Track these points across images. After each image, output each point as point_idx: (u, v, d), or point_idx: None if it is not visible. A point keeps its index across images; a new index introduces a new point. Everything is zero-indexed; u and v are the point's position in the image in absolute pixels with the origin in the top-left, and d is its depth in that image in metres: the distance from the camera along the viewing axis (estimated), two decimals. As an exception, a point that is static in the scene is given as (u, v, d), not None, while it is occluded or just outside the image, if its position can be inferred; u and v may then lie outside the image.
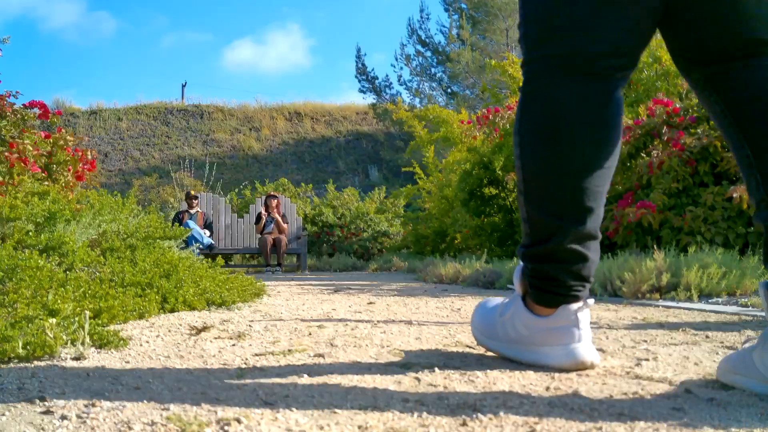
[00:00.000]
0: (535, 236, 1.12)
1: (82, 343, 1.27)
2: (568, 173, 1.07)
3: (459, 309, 2.41)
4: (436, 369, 1.14)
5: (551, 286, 1.11)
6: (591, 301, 1.13)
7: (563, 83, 1.06)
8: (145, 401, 0.90)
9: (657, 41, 7.43)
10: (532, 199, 1.11)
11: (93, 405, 0.87)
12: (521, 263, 1.18)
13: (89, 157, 4.06)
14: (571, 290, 1.11)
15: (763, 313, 2.06)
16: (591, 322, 1.88)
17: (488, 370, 1.13)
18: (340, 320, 2.00)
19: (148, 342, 1.49)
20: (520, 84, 1.15)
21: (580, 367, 1.11)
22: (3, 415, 0.83)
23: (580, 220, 1.08)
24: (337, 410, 0.86)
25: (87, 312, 1.36)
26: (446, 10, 23.33)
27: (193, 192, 9.61)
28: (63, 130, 3.93)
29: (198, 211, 9.40)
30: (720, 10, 0.97)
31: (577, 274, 1.10)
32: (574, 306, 1.11)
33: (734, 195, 3.29)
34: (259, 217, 9.51)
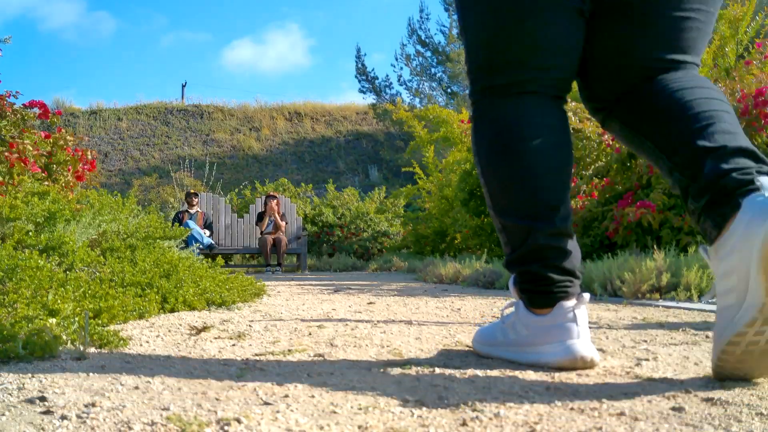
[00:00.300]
0: (513, 243, 1.20)
1: (82, 343, 1.27)
2: (526, 178, 1.17)
3: (459, 309, 2.41)
4: (436, 369, 1.14)
5: (540, 285, 1.16)
6: (586, 296, 1.16)
7: (506, 103, 1.20)
8: (145, 401, 0.90)
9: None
10: (502, 209, 1.21)
11: (93, 405, 0.87)
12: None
13: (89, 157, 4.06)
14: (559, 286, 1.15)
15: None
16: (591, 322, 1.88)
17: (488, 370, 1.13)
18: (340, 320, 2.00)
19: (148, 342, 1.49)
20: None
21: (579, 364, 1.12)
22: (3, 415, 0.83)
23: (548, 218, 1.16)
24: (337, 410, 0.86)
25: (87, 312, 1.36)
26: (446, 10, 23.31)
27: (193, 191, 9.61)
28: (63, 130, 3.92)
29: (198, 211, 9.40)
30: (614, 62, 1.19)
31: (561, 269, 1.15)
32: (569, 303, 1.14)
33: (734, 195, 3.29)
34: (261, 216, 9.51)
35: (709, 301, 1.11)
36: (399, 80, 27.72)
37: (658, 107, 1.14)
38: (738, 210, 0.96)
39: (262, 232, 9.43)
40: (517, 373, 1.11)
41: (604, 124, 1.26)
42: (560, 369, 1.13)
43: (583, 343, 1.12)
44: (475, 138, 1.25)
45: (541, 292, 1.16)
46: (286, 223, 9.66)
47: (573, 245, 1.18)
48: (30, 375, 1.08)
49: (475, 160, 1.25)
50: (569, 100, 1.77)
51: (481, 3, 1.20)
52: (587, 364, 1.13)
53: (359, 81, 23.71)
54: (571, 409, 0.86)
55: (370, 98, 23.46)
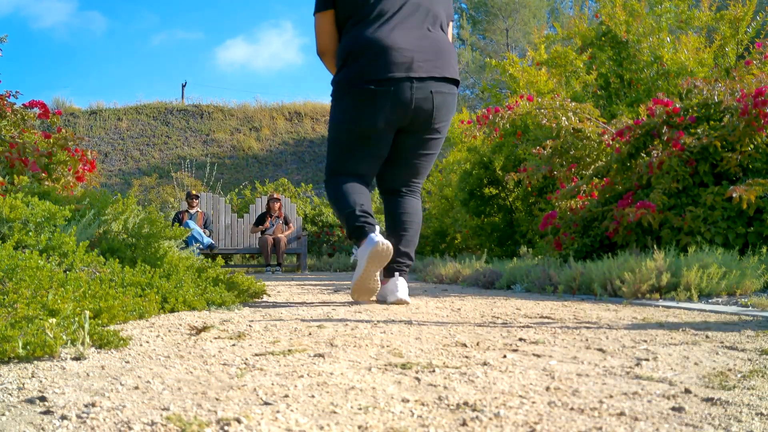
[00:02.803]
0: (347, 222, 2.54)
1: (82, 343, 1.27)
2: (346, 197, 2.57)
3: (459, 309, 2.41)
4: (436, 369, 1.14)
5: (361, 232, 2.49)
6: (377, 229, 2.50)
7: (340, 179, 2.64)
8: (145, 401, 0.90)
9: (657, 39, 7.44)
10: (340, 211, 2.59)
11: (93, 405, 0.87)
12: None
13: (89, 157, 4.06)
14: (367, 229, 2.48)
15: (764, 314, 2.06)
16: (591, 322, 1.90)
17: (488, 370, 1.13)
18: (340, 320, 2.00)
19: (148, 342, 1.49)
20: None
21: (381, 248, 2.39)
22: (3, 415, 0.83)
23: (356, 206, 2.53)
24: (337, 410, 0.86)
25: (87, 312, 1.36)
26: (446, 10, 23.30)
27: (194, 192, 9.60)
28: (63, 130, 3.92)
29: (198, 211, 9.39)
30: (393, 165, 2.72)
31: (369, 223, 2.50)
32: (373, 233, 2.45)
33: (734, 195, 3.28)
34: (262, 220, 9.48)
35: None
36: (399, 80, 27.66)
37: (389, 210, 2.77)
38: (390, 284, 2.60)
39: (262, 233, 9.43)
40: (517, 373, 1.11)
41: (383, 199, 2.83)
42: (373, 255, 2.39)
43: (379, 237, 2.41)
44: (326, 192, 2.73)
45: (362, 234, 2.48)
46: (288, 223, 9.64)
47: (371, 215, 2.54)
48: (30, 375, 1.08)
49: (329, 201, 2.71)
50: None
51: (338, 147, 2.69)
52: (387, 247, 2.40)
53: (359, 81, 23.66)
54: (571, 409, 0.86)
55: (370, 98, 23.41)
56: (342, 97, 2.59)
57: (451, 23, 2.75)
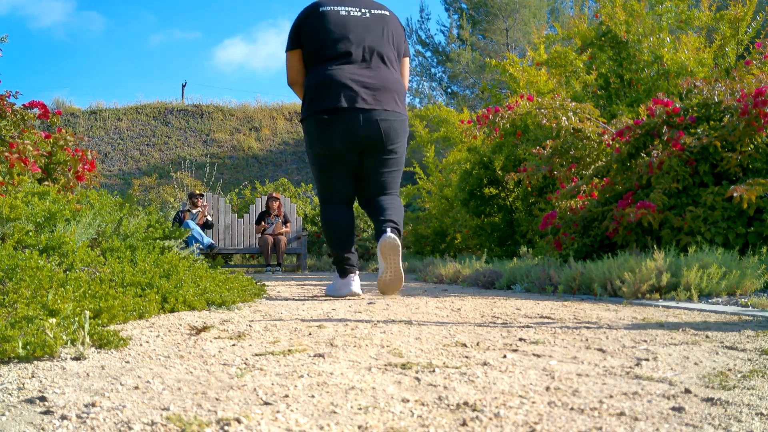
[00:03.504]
0: (334, 257, 3.21)
1: (82, 343, 1.27)
2: (335, 235, 3.19)
3: (459, 309, 2.41)
4: (436, 369, 1.14)
5: (344, 269, 3.18)
6: (356, 273, 3.21)
7: (329, 206, 3.22)
8: (145, 401, 0.90)
9: (657, 39, 7.44)
10: (329, 244, 3.23)
11: (93, 405, 0.87)
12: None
13: (89, 157, 4.05)
14: (349, 269, 3.17)
15: (764, 314, 2.06)
16: (591, 322, 1.90)
17: (488, 370, 1.13)
18: (340, 320, 2.00)
19: (148, 342, 1.49)
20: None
21: (355, 294, 3.13)
22: (3, 415, 0.83)
23: (343, 249, 3.17)
24: (337, 410, 0.86)
25: (87, 312, 1.36)
26: (446, 10, 23.33)
27: (198, 191, 9.56)
28: (63, 130, 3.92)
29: (199, 211, 9.38)
30: (364, 182, 3.23)
31: (350, 264, 3.17)
32: (352, 274, 3.18)
33: (734, 195, 3.28)
34: (260, 219, 9.48)
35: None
36: (399, 80, 27.63)
37: (370, 208, 3.20)
38: (381, 237, 2.99)
39: (262, 232, 9.43)
40: (517, 373, 1.11)
41: (364, 209, 3.26)
42: (348, 297, 3.08)
43: (356, 287, 3.14)
44: (320, 216, 3.26)
45: (344, 271, 3.17)
46: (287, 223, 9.64)
47: (354, 256, 3.17)
48: (30, 375, 1.08)
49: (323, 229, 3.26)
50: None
51: (316, 170, 3.20)
52: (357, 294, 3.12)
53: (359, 81, 23.61)
54: (571, 409, 0.86)
55: (370, 98, 23.36)
56: (308, 126, 3.12)
57: (406, 59, 3.31)
